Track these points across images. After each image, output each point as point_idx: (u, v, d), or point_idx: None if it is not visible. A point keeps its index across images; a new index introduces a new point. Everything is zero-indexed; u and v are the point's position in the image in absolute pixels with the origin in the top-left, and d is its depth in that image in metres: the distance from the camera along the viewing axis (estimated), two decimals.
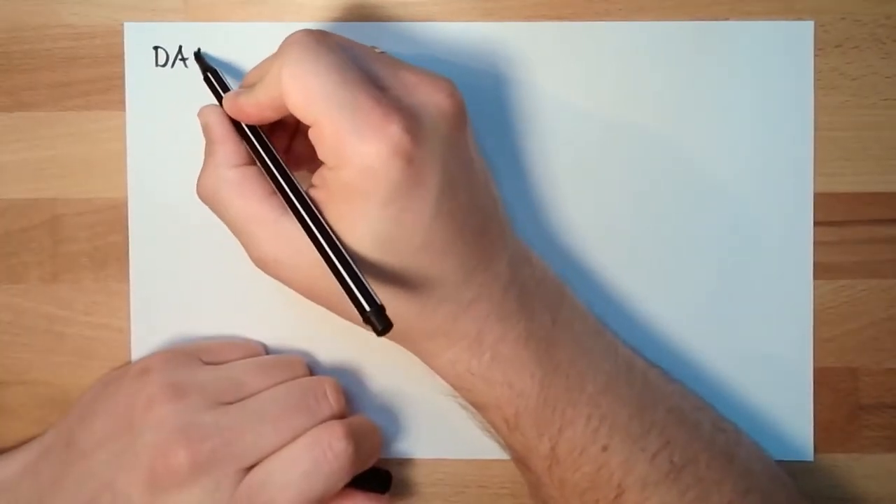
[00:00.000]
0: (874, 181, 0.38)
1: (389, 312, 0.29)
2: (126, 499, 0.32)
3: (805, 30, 0.38)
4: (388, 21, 0.38)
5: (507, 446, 0.35)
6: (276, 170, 0.32)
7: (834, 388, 0.38)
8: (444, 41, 0.38)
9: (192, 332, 0.38)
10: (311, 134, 0.31)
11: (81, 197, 0.38)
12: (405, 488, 0.38)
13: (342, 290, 0.29)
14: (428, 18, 0.38)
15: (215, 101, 0.35)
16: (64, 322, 0.38)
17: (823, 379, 0.38)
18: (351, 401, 0.38)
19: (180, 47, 0.38)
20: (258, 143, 0.33)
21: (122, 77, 0.38)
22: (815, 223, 0.38)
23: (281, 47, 0.31)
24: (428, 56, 0.38)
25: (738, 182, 0.38)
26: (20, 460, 0.35)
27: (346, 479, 0.33)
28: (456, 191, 0.31)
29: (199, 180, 0.34)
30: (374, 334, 0.29)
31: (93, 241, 0.38)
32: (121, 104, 0.38)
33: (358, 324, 0.30)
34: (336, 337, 0.38)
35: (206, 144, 0.34)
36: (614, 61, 0.38)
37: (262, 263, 0.33)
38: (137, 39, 0.38)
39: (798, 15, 0.38)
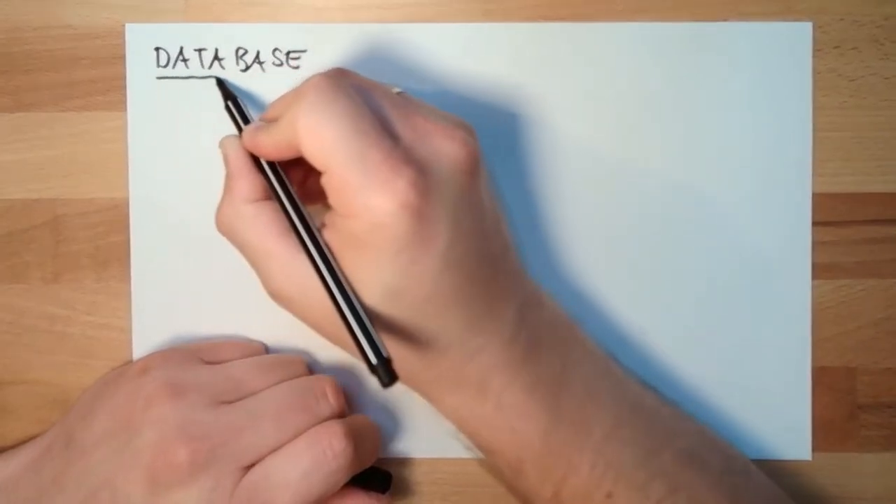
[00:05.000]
0: (873, 181, 0.38)
1: (394, 359, 0.30)
2: (126, 497, 0.32)
3: (804, 31, 0.38)
4: (388, 22, 0.38)
5: (511, 489, 0.35)
6: (293, 210, 0.32)
7: (832, 388, 0.38)
8: (444, 41, 0.38)
9: (192, 332, 0.38)
10: (323, 181, 0.31)
11: (83, 197, 0.38)
12: (405, 488, 0.38)
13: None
14: (428, 19, 0.38)
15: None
16: (65, 322, 0.38)
17: (822, 378, 0.38)
18: (350, 400, 0.38)
19: (181, 48, 0.38)
20: (276, 180, 0.33)
21: (123, 78, 0.38)
22: (814, 223, 0.38)
23: (300, 90, 0.31)
24: (428, 56, 0.38)
25: (737, 182, 0.38)
26: (21, 459, 0.35)
27: (346, 479, 0.33)
28: (466, 241, 0.31)
29: (217, 213, 0.34)
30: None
31: (94, 242, 0.38)
32: (122, 105, 0.38)
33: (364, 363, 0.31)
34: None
35: (226, 176, 0.34)
36: (614, 62, 0.38)
37: (275, 296, 0.33)
38: (139, 40, 0.38)
39: (797, 16, 0.38)
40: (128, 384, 0.34)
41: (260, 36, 0.38)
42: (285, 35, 0.38)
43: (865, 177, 0.38)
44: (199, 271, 0.38)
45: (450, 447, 0.38)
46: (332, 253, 0.32)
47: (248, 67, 0.38)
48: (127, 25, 0.38)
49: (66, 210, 0.38)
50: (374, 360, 0.29)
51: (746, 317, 0.38)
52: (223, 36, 0.38)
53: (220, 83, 0.37)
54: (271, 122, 0.33)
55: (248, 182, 0.33)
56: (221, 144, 0.35)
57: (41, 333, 0.38)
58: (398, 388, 0.38)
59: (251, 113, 0.36)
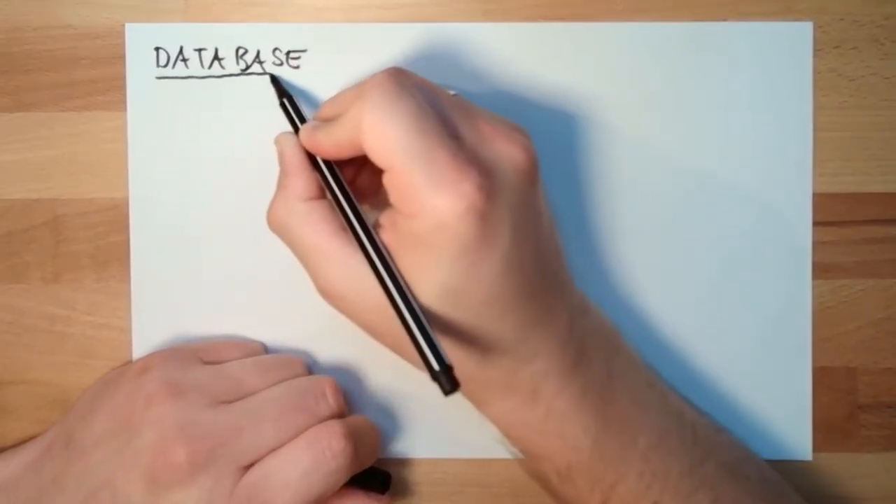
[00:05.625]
0: (873, 181, 0.38)
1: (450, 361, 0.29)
2: (125, 497, 0.32)
3: (804, 31, 0.38)
4: (388, 22, 0.38)
5: (556, 496, 0.35)
6: (350, 209, 0.32)
7: (832, 388, 0.38)
8: (444, 41, 0.38)
9: (192, 332, 0.38)
10: (386, 179, 0.31)
11: (83, 197, 0.38)
12: (405, 488, 0.38)
13: (408, 339, 0.30)
14: (428, 19, 0.38)
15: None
16: (65, 322, 0.38)
17: (822, 378, 0.38)
18: (350, 401, 0.38)
19: (181, 48, 0.38)
20: (332, 179, 0.33)
21: (123, 78, 0.38)
22: (814, 223, 0.38)
23: (363, 87, 0.31)
24: (428, 56, 0.38)
25: (738, 182, 0.38)
26: (21, 459, 0.35)
27: (345, 479, 0.33)
28: (524, 247, 0.31)
29: (269, 210, 0.34)
30: (434, 384, 0.29)
31: (94, 242, 0.38)
32: (122, 105, 0.38)
33: (417, 367, 0.31)
34: (335, 337, 0.38)
35: (280, 174, 0.34)
36: (614, 61, 0.38)
37: (326, 295, 0.33)
38: (138, 40, 0.38)
39: (797, 16, 0.38)
40: (128, 384, 0.34)
41: (260, 36, 0.38)
42: (285, 35, 0.38)
43: (866, 177, 0.38)
44: (198, 271, 0.38)
45: (450, 447, 0.38)
46: (388, 253, 0.31)
47: (248, 67, 0.38)
48: (127, 25, 0.38)
49: (66, 210, 0.38)
50: (436, 367, 0.29)
51: (746, 317, 0.38)
52: (223, 36, 0.38)
53: (275, 81, 0.37)
54: (328, 120, 0.33)
55: (304, 180, 0.33)
56: (277, 141, 0.35)
57: (41, 333, 0.38)
58: (398, 389, 0.38)
59: (305, 111, 0.36)
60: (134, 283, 0.38)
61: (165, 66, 0.38)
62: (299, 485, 0.32)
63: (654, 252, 0.38)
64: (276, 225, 0.34)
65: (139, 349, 0.38)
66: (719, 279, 0.38)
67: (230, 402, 0.34)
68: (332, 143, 0.32)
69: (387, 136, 0.30)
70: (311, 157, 0.34)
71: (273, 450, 0.33)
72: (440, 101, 0.32)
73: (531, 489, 0.38)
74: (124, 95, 0.38)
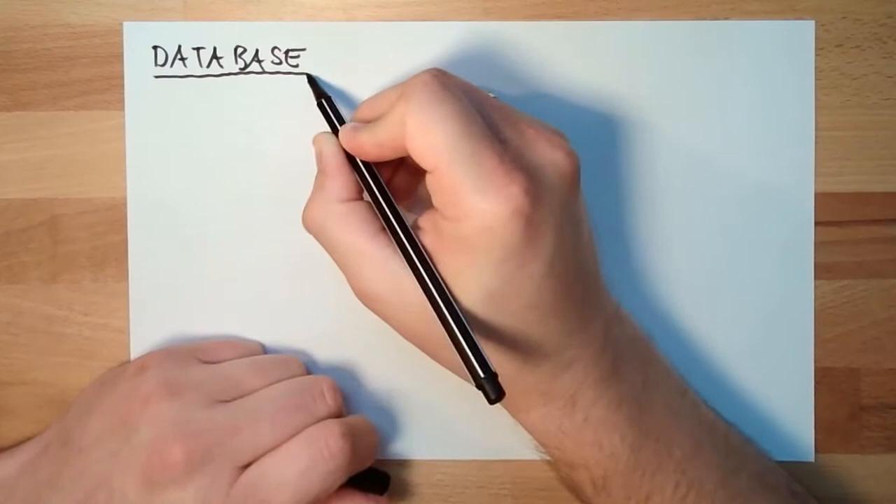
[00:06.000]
0: (875, 181, 0.38)
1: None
2: (122, 496, 0.32)
3: (806, 29, 0.38)
4: (388, 20, 0.38)
5: None
6: (390, 211, 0.32)
7: (835, 389, 0.38)
8: (444, 40, 0.38)
9: (190, 332, 0.38)
10: (430, 181, 0.31)
11: (80, 197, 0.38)
12: (404, 489, 0.38)
13: (449, 343, 0.29)
14: (427, 17, 0.38)
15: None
16: (63, 322, 0.38)
17: (824, 379, 0.38)
18: (349, 401, 0.37)
19: (179, 47, 0.38)
20: (372, 180, 0.33)
21: (121, 77, 0.38)
22: (816, 223, 0.38)
23: (406, 87, 0.31)
24: (427, 56, 0.38)
25: (739, 182, 0.38)
26: (18, 458, 0.35)
27: (343, 479, 0.33)
28: (567, 252, 0.31)
29: (306, 211, 0.34)
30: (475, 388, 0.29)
31: (92, 241, 0.38)
32: (120, 104, 0.38)
33: (456, 373, 0.31)
34: (334, 337, 0.38)
35: (318, 175, 0.34)
36: (614, 61, 0.38)
37: (364, 298, 0.33)
38: (136, 39, 0.38)
39: (799, 14, 0.38)
40: (125, 384, 0.34)
41: (259, 34, 0.38)
42: (284, 33, 0.38)
43: (868, 176, 0.38)
44: (196, 271, 0.38)
45: (450, 448, 0.38)
46: (429, 255, 0.31)
47: (246, 66, 0.38)
48: (125, 24, 0.38)
49: (64, 210, 0.38)
50: (481, 374, 0.29)
51: (748, 317, 0.38)
52: (222, 34, 0.38)
53: (312, 81, 0.37)
54: (367, 122, 0.33)
55: (342, 181, 0.33)
56: (315, 142, 0.34)
57: (39, 334, 0.38)
58: (397, 389, 0.38)
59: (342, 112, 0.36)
60: (132, 283, 0.38)
61: (164, 65, 0.38)
62: (297, 484, 0.32)
63: (652, 252, 0.38)
64: (313, 226, 0.34)
65: (137, 349, 0.38)
66: (720, 279, 0.38)
67: (227, 401, 0.34)
68: (374, 143, 0.32)
69: (433, 138, 0.30)
70: (350, 158, 0.33)
71: (270, 449, 0.33)
72: (483, 104, 0.32)
73: (531, 490, 0.38)
74: (122, 94, 0.38)
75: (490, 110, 0.32)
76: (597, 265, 0.34)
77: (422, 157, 0.30)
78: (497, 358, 0.31)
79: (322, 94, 0.36)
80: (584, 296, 0.33)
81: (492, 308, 0.31)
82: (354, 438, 0.33)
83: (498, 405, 0.31)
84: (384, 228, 0.32)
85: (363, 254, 0.32)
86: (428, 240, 0.32)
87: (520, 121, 0.32)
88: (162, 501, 0.32)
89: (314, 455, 0.32)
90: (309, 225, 0.34)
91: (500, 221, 0.29)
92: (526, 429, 0.35)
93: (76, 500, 0.33)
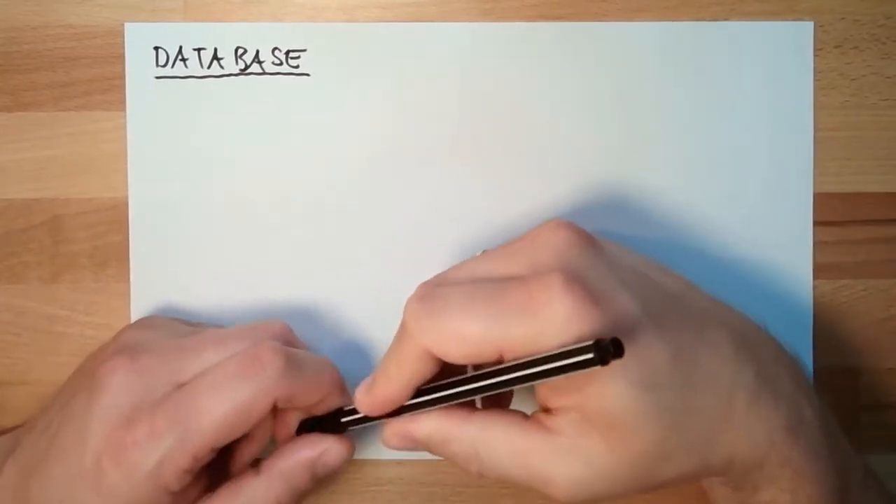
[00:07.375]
0: (874, 181, 0.38)
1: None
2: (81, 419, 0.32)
3: (805, 30, 0.38)
4: (388, 21, 0.38)
5: None
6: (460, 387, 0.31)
7: (834, 389, 0.38)
8: (444, 41, 0.38)
9: None
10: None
11: (81, 197, 0.38)
12: (404, 489, 0.38)
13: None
14: (427, 18, 0.38)
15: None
16: (64, 322, 0.38)
17: (823, 379, 0.38)
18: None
19: (180, 47, 0.38)
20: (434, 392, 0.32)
21: (122, 77, 0.38)
22: (815, 223, 0.38)
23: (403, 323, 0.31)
24: (427, 56, 0.38)
25: (738, 182, 0.38)
26: (3, 444, 0.35)
27: (275, 392, 0.32)
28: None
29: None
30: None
31: (93, 241, 0.38)
32: (121, 104, 0.38)
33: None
34: (335, 338, 0.38)
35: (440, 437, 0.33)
36: (614, 61, 0.38)
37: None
38: (138, 39, 0.38)
39: (798, 15, 0.38)
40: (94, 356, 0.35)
41: (259, 35, 0.38)
42: (285, 34, 0.38)
43: (867, 176, 0.38)
44: (197, 271, 0.38)
45: None
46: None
47: (247, 67, 0.38)
48: (126, 25, 0.38)
49: (65, 210, 0.38)
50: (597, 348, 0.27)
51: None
52: (222, 35, 0.38)
53: (339, 420, 0.35)
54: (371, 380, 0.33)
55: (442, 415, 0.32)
56: (409, 434, 0.33)
57: (40, 334, 0.38)
58: None
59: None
60: (133, 284, 0.38)
61: (165, 65, 0.38)
62: (225, 388, 0.31)
63: (653, 252, 0.38)
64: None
65: None
66: (719, 279, 0.38)
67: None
68: (391, 389, 0.32)
69: (462, 337, 0.30)
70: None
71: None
72: (477, 271, 0.32)
73: (531, 490, 0.38)
74: (123, 95, 0.38)
75: (489, 269, 0.31)
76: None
77: (460, 357, 0.30)
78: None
79: (347, 425, 0.35)
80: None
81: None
82: (293, 358, 0.33)
83: None
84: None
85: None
86: (563, 425, 0.31)
87: (507, 252, 0.32)
88: (98, 404, 0.32)
89: (244, 362, 0.32)
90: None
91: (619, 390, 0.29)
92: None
93: (60, 486, 0.32)
